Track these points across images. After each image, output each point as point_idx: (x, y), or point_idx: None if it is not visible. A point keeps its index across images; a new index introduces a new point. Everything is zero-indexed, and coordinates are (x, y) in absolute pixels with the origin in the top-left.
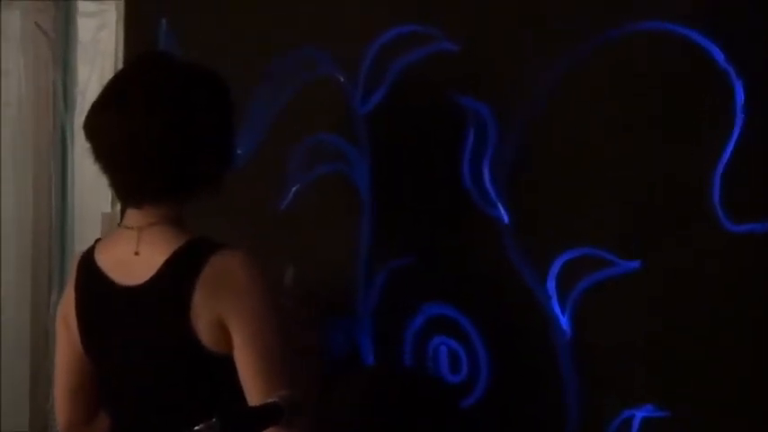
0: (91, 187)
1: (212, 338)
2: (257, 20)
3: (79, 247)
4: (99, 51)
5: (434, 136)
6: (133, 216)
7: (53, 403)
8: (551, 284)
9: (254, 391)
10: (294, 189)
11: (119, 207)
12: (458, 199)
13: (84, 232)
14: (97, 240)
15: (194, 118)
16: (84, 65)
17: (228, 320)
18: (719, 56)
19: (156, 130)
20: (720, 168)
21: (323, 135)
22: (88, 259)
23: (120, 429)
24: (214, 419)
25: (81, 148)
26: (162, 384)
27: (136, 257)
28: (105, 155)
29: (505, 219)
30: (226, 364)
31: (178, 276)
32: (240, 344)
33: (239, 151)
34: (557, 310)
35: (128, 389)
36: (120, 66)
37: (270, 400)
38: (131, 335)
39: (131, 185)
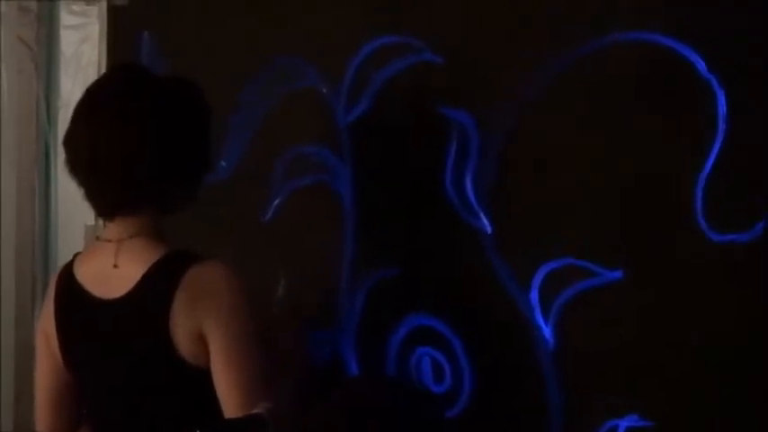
0: (74, 200)
1: (191, 351)
2: (240, 32)
3: (63, 259)
4: (82, 64)
5: (417, 147)
6: (111, 229)
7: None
8: (534, 295)
9: (230, 404)
10: (277, 200)
11: (102, 220)
12: (441, 209)
13: (68, 245)
14: (76, 254)
15: (166, 128)
16: (67, 77)
17: (206, 332)
18: (701, 65)
19: (125, 143)
20: (703, 178)
21: (306, 146)
22: (68, 273)
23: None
24: (197, 430)
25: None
26: (141, 398)
27: (114, 270)
28: (79, 168)
29: (488, 229)
30: (205, 377)
31: (156, 289)
32: (217, 355)
33: (223, 163)
34: (540, 320)
35: (108, 402)
36: None
37: (254, 412)
38: (111, 348)
39: (105, 198)
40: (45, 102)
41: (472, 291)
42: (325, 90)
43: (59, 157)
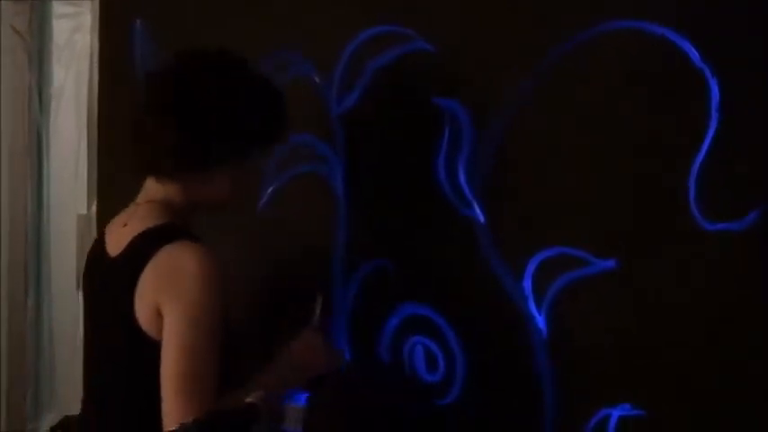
0: (67, 189)
1: (148, 322)
2: (232, 20)
3: (55, 248)
4: (74, 53)
5: (410, 136)
6: (142, 192)
7: (30, 404)
8: (527, 284)
9: (169, 388)
10: (270, 189)
11: (95, 208)
12: (433, 199)
13: (60, 234)
14: None
15: (185, 100)
16: (60, 66)
17: (164, 311)
18: (695, 55)
19: (158, 109)
20: (696, 167)
21: (298, 136)
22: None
23: (84, 399)
24: (191, 421)
25: (57, 150)
26: (104, 355)
27: (123, 229)
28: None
29: (481, 218)
30: (157, 350)
31: (133, 256)
32: (168, 337)
33: None
34: (533, 309)
35: (90, 360)
36: (96, 67)
37: (248, 401)
38: (99, 303)
39: (139, 158)
40: (37, 90)
41: (465, 280)
42: (317, 79)
43: (52, 146)
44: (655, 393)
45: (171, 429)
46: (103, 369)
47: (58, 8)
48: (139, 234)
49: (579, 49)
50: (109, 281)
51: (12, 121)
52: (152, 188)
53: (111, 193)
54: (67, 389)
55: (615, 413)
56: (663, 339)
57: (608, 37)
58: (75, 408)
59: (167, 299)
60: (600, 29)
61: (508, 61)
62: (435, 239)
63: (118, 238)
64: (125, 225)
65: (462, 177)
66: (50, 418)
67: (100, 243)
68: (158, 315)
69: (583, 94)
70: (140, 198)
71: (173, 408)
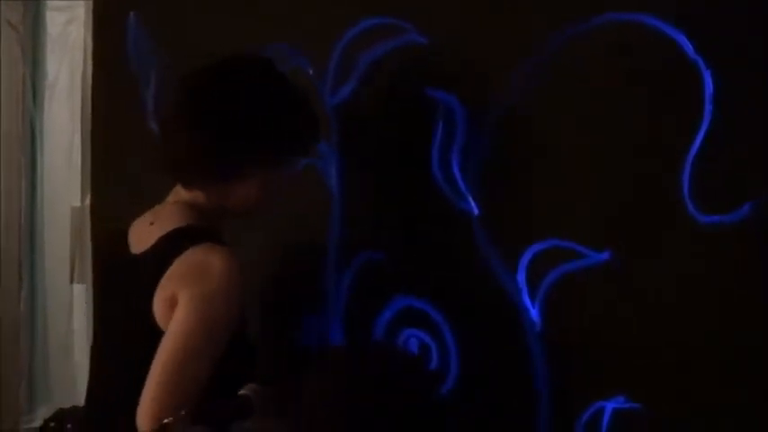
0: (61, 181)
1: (163, 318)
2: (226, 13)
3: (48, 240)
4: (68, 45)
5: (404, 129)
6: (172, 192)
7: (23, 397)
8: (521, 276)
9: (150, 379)
10: None
11: (88, 201)
12: (427, 191)
13: (54, 226)
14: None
15: (225, 112)
16: (54, 59)
17: (179, 300)
18: (688, 46)
19: (184, 118)
20: (690, 159)
21: None
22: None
23: (89, 390)
24: (183, 412)
25: (51, 142)
26: (121, 352)
27: (148, 227)
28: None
29: (475, 211)
30: None
31: (161, 253)
32: (170, 324)
33: None
34: (527, 301)
35: (100, 353)
36: (90, 59)
37: (241, 393)
38: (117, 298)
39: (166, 162)
40: (31, 83)
41: (459, 272)
42: (311, 72)
43: (45, 138)
44: (649, 386)
45: (165, 420)
46: (114, 362)
47: (51, 1)
48: (167, 233)
49: (573, 41)
50: (131, 277)
51: (5, 113)
52: (182, 189)
53: (104, 185)
54: (61, 381)
55: (609, 406)
56: (657, 331)
57: (602, 29)
58: (68, 400)
59: (184, 291)
60: (594, 21)
61: (503, 53)
62: (429, 232)
63: (143, 236)
64: (151, 223)
65: (456, 170)
66: (44, 411)
67: (121, 239)
68: (172, 307)
69: (577, 86)
70: (170, 197)
71: (149, 397)
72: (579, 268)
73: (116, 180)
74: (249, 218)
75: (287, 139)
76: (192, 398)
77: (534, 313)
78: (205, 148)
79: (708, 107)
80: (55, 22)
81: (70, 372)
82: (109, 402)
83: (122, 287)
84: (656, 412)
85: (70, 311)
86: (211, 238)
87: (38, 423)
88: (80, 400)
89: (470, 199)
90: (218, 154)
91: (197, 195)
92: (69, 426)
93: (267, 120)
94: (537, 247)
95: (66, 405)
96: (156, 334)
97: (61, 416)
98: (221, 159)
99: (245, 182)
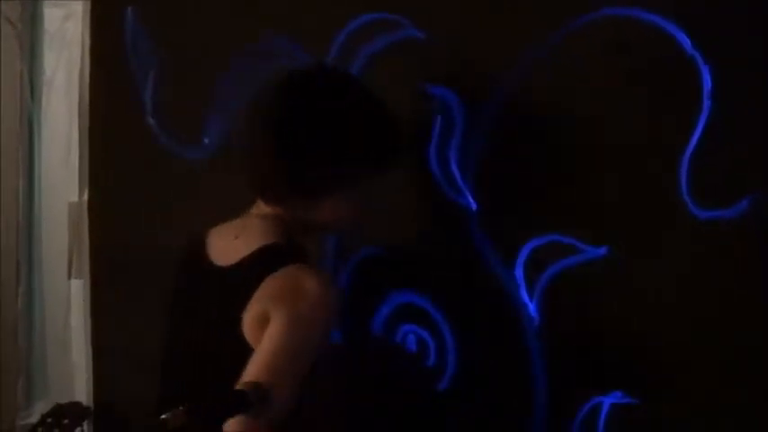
0: (58, 177)
1: (251, 332)
2: (224, 7)
3: (46, 236)
4: (65, 41)
5: (401, 123)
6: (255, 205)
7: (21, 393)
8: (519, 271)
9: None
10: None
11: (86, 196)
12: (425, 186)
13: (52, 222)
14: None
15: (309, 130)
16: (51, 54)
17: (271, 316)
18: (686, 42)
19: (267, 135)
20: (688, 154)
21: None
22: (200, 235)
23: (164, 399)
24: (181, 407)
25: (48, 138)
26: (202, 360)
27: (233, 241)
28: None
29: (473, 206)
30: None
31: (254, 269)
32: (264, 338)
33: (206, 140)
34: (524, 297)
35: (175, 359)
36: (87, 55)
37: (237, 389)
38: (199, 307)
39: (249, 177)
40: (29, 78)
41: (456, 267)
42: None
43: (43, 133)
44: (646, 381)
45: (162, 416)
46: (193, 372)
47: None
48: (259, 249)
49: (571, 36)
50: (217, 289)
51: (3, 109)
52: (263, 203)
53: (102, 180)
54: (59, 377)
55: (607, 401)
56: (654, 326)
57: (600, 24)
58: (66, 396)
59: (279, 311)
60: (592, 16)
61: (501, 49)
62: (427, 227)
63: (228, 249)
64: (236, 237)
65: (454, 165)
66: (42, 407)
67: (199, 247)
68: (262, 324)
69: (574, 80)
70: (254, 210)
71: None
72: (577, 264)
73: (113, 176)
74: (334, 234)
75: (375, 155)
76: (279, 415)
77: (532, 309)
78: (293, 168)
79: (706, 103)
80: (52, 17)
81: (68, 367)
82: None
83: (206, 298)
84: (653, 407)
85: (68, 307)
86: (302, 257)
87: (35, 418)
88: (77, 395)
89: (468, 195)
90: (306, 174)
91: (282, 210)
92: (66, 421)
93: (355, 137)
94: (535, 243)
95: (64, 400)
96: (242, 349)
97: (59, 411)
98: (309, 179)
99: (333, 198)
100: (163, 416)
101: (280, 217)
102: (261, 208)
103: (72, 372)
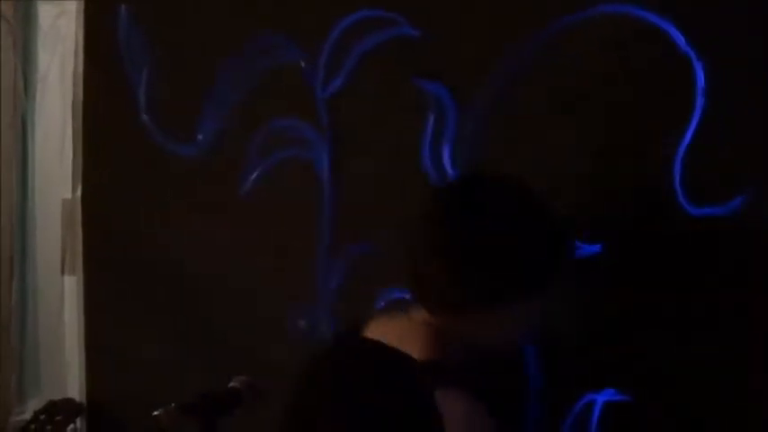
0: (52, 173)
1: None
2: (218, 4)
3: (40, 234)
4: (59, 38)
5: (395, 120)
6: (416, 307)
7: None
8: None
9: None
10: (255, 174)
11: (79, 193)
12: (419, 183)
13: (45, 218)
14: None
15: (486, 245)
16: (45, 51)
17: None
18: (680, 39)
19: (440, 248)
20: (681, 152)
21: (284, 120)
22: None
23: None
24: (173, 404)
25: (42, 134)
26: None
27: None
28: None
29: None
30: None
31: None
32: None
33: (200, 137)
34: None
35: None
36: (81, 52)
37: (230, 385)
38: None
39: (420, 294)
40: (22, 75)
41: None
42: (303, 64)
43: (36, 130)
44: (640, 379)
45: (155, 413)
46: None
47: None
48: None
49: (565, 33)
50: None
51: None
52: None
53: (95, 177)
54: (52, 374)
55: (600, 398)
56: (648, 324)
57: (594, 21)
58: (59, 393)
59: None
60: (585, 13)
61: (493, 45)
62: (420, 224)
63: None
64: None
65: (447, 161)
66: (35, 403)
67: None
68: None
69: (567, 78)
70: (414, 312)
71: None
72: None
73: (107, 172)
74: (485, 348)
75: (544, 269)
76: None
77: None
78: (462, 283)
79: (700, 100)
80: (46, 14)
81: (61, 364)
82: None
83: None
84: (646, 405)
85: (61, 303)
86: (461, 382)
87: (28, 415)
88: (70, 392)
89: None
90: (477, 291)
91: (440, 320)
92: (59, 418)
93: (527, 250)
94: None
95: (57, 397)
96: None
97: (52, 408)
98: (479, 293)
99: (495, 313)
100: (155, 413)
101: (443, 329)
102: (422, 313)
103: (65, 368)
